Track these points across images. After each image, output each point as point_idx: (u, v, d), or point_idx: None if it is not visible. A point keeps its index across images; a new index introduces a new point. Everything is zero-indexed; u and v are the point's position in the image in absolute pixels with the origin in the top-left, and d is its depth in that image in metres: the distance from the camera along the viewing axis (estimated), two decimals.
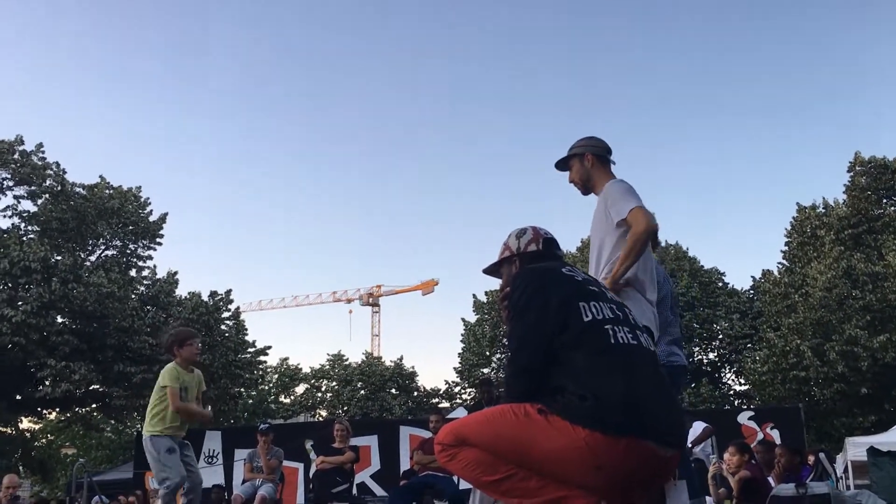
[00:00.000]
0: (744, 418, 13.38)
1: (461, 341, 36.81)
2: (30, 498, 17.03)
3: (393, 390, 40.03)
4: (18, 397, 22.34)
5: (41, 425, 31.63)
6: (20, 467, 28.45)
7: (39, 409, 23.98)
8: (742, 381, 32.13)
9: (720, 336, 32.89)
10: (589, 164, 4.10)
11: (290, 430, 15.65)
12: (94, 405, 24.25)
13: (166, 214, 24.48)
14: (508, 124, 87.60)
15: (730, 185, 75.75)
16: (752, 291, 32.74)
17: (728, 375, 34.28)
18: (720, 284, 33.33)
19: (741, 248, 71.57)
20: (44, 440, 34.07)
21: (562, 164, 4.20)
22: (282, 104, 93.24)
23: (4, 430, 27.96)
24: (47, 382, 20.25)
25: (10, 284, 20.50)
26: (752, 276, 33.88)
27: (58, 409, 24.87)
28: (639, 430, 2.38)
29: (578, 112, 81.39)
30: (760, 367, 25.87)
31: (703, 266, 33.43)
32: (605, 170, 4.10)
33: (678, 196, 75.48)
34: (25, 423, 28.29)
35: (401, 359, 41.53)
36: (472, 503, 3.22)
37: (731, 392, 33.59)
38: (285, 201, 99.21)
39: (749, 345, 31.10)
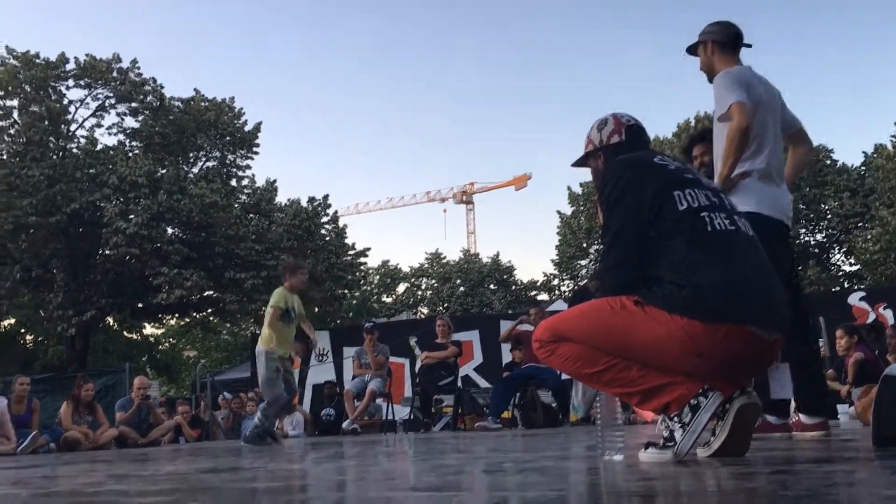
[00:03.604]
0: (855, 299, 12.90)
1: (557, 233, 36.67)
2: (159, 397, 18.28)
3: (491, 286, 40.53)
4: (140, 305, 23.74)
5: (163, 330, 33.70)
6: (148, 369, 30.58)
7: (159, 315, 25.47)
8: (852, 262, 31.00)
9: (828, 216, 31.61)
10: (710, 52, 3.97)
11: (394, 328, 16.04)
12: (209, 310, 25.53)
13: (260, 123, 24.83)
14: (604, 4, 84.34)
15: (836, 55, 71.14)
16: (863, 168, 31.07)
17: (837, 256, 33.10)
18: (828, 162, 31.75)
19: (851, 123, 67.85)
20: (167, 344, 36.24)
21: (692, 49, 4.08)
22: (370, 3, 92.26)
23: (131, 335, 29.99)
24: (164, 289, 21.33)
25: (120, 199, 21.47)
26: (863, 152, 32.09)
27: (176, 315, 26.34)
28: (739, 316, 2.36)
29: None
30: (872, 245, 24.86)
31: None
32: (725, 58, 3.94)
33: (780, 69, 71.50)
34: (149, 329, 30.24)
35: (497, 254, 41.90)
36: (574, 393, 3.28)
37: (841, 273, 32.48)
38: (375, 104, 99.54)
39: (860, 224, 29.82)
